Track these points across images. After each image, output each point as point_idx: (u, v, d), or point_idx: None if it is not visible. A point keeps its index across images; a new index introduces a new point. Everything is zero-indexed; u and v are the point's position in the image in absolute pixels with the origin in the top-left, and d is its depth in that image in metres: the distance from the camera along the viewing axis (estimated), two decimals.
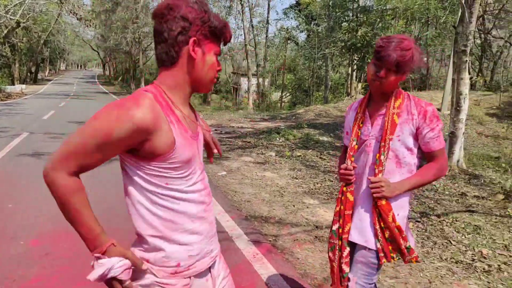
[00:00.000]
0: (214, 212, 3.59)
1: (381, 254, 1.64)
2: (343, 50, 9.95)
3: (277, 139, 9.24)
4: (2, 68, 35.60)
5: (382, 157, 1.62)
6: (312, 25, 24.48)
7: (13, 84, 32.54)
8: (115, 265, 1.00)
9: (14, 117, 11.23)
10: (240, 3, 18.47)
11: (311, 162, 6.67)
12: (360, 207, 1.71)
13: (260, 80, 20.25)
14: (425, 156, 1.69)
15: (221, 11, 29.79)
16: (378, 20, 10.55)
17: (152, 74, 42.71)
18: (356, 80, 15.67)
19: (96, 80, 49.66)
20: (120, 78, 45.61)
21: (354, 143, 1.72)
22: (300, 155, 7.22)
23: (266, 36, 21.50)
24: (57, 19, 32.45)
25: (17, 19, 18.35)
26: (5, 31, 19.23)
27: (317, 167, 6.26)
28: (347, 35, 10.82)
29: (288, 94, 27.71)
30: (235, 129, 11.14)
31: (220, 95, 32.23)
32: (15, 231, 3.23)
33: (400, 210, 1.67)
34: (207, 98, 25.43)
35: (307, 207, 4.32)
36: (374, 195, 1.60)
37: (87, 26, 22.79)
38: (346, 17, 13.69)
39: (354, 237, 1.70)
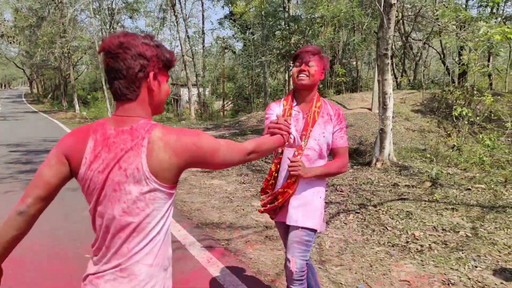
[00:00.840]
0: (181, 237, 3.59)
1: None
2: (279, 57, 10.33)
3: None
4: None
5: (302, 143, 1.89)
6: (247, 34, 25.05)
7: None
8: None
9: None
10: (174, 14, 18.37)
11: (257, 166, 6.86)
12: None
13: (201, 89, 20.25)
14: (332, 152, 2.00)
15: (155, 22, 29.42)
16: (308, 28, 11.13)
17: (85, 89, 40.81)
18: (293, 85, 16.33)
19: (24, 99, 46.24)
20: (50, 96, 42.94)
21: None
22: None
23: (203, 46, 21.57)
24: None
25: None
26: None
27: (263, 171, 6.47)
28: (281, 43, 11.27)
29: (229, 103, 27.96)
30: None
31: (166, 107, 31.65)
32: None
33: (322, 193, 1.98)
34: None
35: (256, 210, 4.48)
36: (291, 172, 1.85)
37: (10, 43, 21.21)
38: (278, 26, 14.24)
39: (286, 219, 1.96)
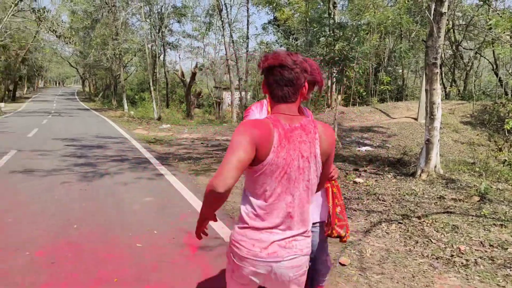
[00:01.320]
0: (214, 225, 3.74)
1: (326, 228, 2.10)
2: (322, 64, 10.32)
3: None
4: None
5: None
6: (290, 39, 25.13)
7: None
8: None
9: None
10: (221, 19, 18.83)
11: None
12: None
13: (243, 93, 20.57)
14: None
15: (201, 27, 30.26)
16: (354, 35, 11.03)
17: (133, 89, 42.57)
18: (336, 92, 16.15)
19: (76, 97, 49.07)
20: (100, 94, 45.23)
21: None
22: None
23: (247, 51, 21.91)
24: (35, 36, 32.18)
25: None
26: None
27: None
28: (325, 49, 11.24)
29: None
30: (221, 142, 11.33)
31: (203, 109, 32.39)
32: (18, 243, 3.31)
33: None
34: (190, 112, 25.55)
35: None
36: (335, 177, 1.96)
37: (66, 43, 22.69)
38: (323, 32, 14.20)
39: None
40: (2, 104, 30.28)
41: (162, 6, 28.12)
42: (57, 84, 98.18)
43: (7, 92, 40.13)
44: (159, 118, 21.41)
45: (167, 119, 21.79)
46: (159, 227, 3.88)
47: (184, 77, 25.99)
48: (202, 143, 11.06)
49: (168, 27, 31.75)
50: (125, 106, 28.19)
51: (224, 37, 18.44)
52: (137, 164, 7.35)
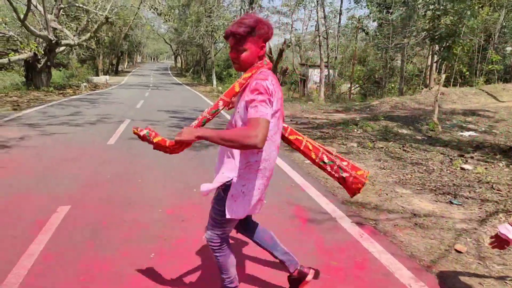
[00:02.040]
0: (313, 195, 3.88)
1: None
2: (426, 40, 9.59)
3: (355, 130, 9.29)
4: (88, 60, 39.17)
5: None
6: (384, 13, 23.61)
7: (97, 75, 35.67)
8: None
9: (110, 105, 12.48)
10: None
11: (395, 154, 6.69)
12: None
13: (331, 71, 20.09)
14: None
15: (290, 2, 29.89)
16: (467, 8, 10.00)
17: (219, 66, 44.18)
18: (436, 71, 14.96)
19: (169, 72, 52.43)
20: (191, 70, 47.67)
21: None
22: (382, 147, 7.25)
23: (339, 27, 21.17)
24: (136, 13, 34.90)
25: (105, 15, 20.03)
26: (95, 26, 21.11)
27: (403, 159, 6.29)
28: (430, 24, 10.39)
29: (357, 86, 27.14)
30: (310, 120, 11.34)
31: (286, 87, 32.45)
32: (150, 201, 3.80)
33: (230, 172, 1.85)
34: None
35: (401, 196, 4.45)
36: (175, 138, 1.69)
37: (165, 21, 24.24)
38: (429, 5, 13.10)
39: None
40: (107, 77, 33.63)
41: None
42: (152, 60, 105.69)
43: (110, 66, 44.44)
44: None
45: None
46: (267, 197, 4.10)
47: (271, 54, 26.15)
48: (291, 121, 11.18)
49: (258, 2, 31.97)
50: (214, 82, 29.41)
51: (317, 12, 18.00)
52: None
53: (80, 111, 10.53)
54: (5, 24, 22.52)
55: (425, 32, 11.22)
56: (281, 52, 26.01)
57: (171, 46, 57.72)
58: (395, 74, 23.56)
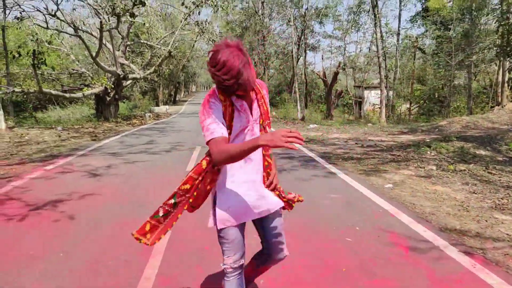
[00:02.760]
0: (405, 221, 3.70)
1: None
2: (499, 55, 9.06)
3: (428, 152, 8.88)
4: (148, 91, 41.65)
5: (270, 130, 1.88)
6: (443, 30, 22.82)
7: (157, 105, 37.74)
8: None
9: (178, 133, 13.07)
10: (373, 14, 18.24)
11: (482, 176, 6.27)
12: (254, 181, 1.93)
13: (390, 92, 19.61)
14: None
15: (343, 26, 29.95)
16: None
17: (271, 91, 44.84)
18: (508, 87, 14.04)
19: None
20: None
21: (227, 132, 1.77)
22: (464, 169, 6.84)
23: (397, 47, 20.76)
24: (193, 46, 36.79)
25: (169, 49, 21.32)
26: (159, 60, 22.50)
27: (492, 182, 5.87)
28: (503, 39, 9.84)
29: (415, 106, 26.15)
30: (376, 143, 11.03)
31: (339, 109, 32.06)
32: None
33: None
34: (330, 112, 25.62)
35: (502, 223, 4.12)
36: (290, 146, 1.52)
37: None
38: (500, 21, 12.51)
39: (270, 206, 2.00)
40: (167, 107, 35.43)
41: (306, 10, 28.84)
42: (206, 89, 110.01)
43: (169, 96, 46.84)
44: (302, 118, 22.04)
45: (309, 119, 22.28)
46: (358, 223, 4.00)
47: (325, 77, 26.18)
48: (356, 143, 10.96)
49: (310, 28, 32.40)
50: (268, 107, 29.80)
51: (376, 34, 17.83)
52: (306, 162, 7.72)
53: (153, 140, 11.12)
54: (78, 61, 24.77)
55: (496, 48, 10.63)
56: (335, 75, 26.04)
57: None
58: (458, 92, 22.45)
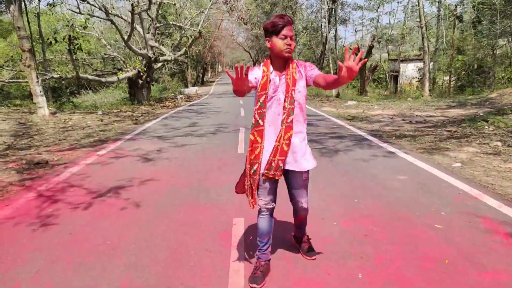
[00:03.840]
0: (493, 204, 3.34)
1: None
2: None
3: (486, 127, 8.34)
4: (176, 73, 41.71)
5: (286, 103, 2.27)
6: None
7: (186, 86, 37.74)
8: None
9: (217, 115, 12.92)
10: None
11: None
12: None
13: (431, 64, 18.60)
14: (315, 82, 2.22)
15: None
16: None
17: None
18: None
19: None
20: None
21: (264, 97, 2.28)
22: None
23: (439, 16, 19.54)
24: (220, 25, 36.24)
25: (199, 29, 21.02)
26: (190, 41, 22.27)
27: None
28: None
29: (454, 78, 24.81)
30: (425, 118, 10.49)
31: (371, 85, 30.96)
32: (317, 212, 3.61)
33: (306, 139, 2.46)
34: (364, 88, 24.76)
35: None
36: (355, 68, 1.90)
37: (252, 29, 24.69)
38: None
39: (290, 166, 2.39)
40: (197, 88, 35.40)
41: None
42: (231, 68, 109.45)
43: (197, 78, 46.80)
44: (337, 95, 21.41)
45: (344, 96, 21.62)
46: (442, 208, 3.70)
47: (358, 51, 25.10)
48: (403, 120, 10.46)
49: (339, 0, 31.11)
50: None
51: (419, 1, 16.74)
52: (358, 141, 7.38)
53: (195, 122, 11.02)
54: (110, 45, 24.90)
55: None
56: (370, 49, 25.03)
57: (249, 53, 59.00)
58: (503, 62, 21.04)
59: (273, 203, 2.47)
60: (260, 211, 2.47)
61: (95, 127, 10.39)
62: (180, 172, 5.30)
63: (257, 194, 2.42)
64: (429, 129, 8.69)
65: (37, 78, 11.53)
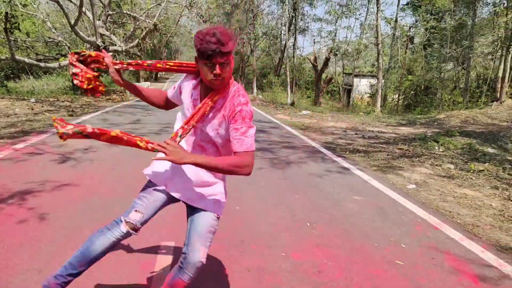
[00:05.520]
0: (454, 236, 2.99)
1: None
2: (501, 43, 8.49)
3: (436, 148, 8.33)
4: None
5: (178, 138, 1.69)
6: (433, 21, 22.31)
7: (138, 81, 36.03)
8: None
9: (165, 113, 12.02)
10: (377, 3, 17.40)
11: (507, 179, 5.71)
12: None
13: (382, 81, 19.03)
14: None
15: (332, 8, 29.00)
16: None
17: (256, 74, 43.86)
18: (509, 81, 13.64)
19: None
20: None
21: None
22: (483, 170, 6.28)
23: (394, 35, 20.11)
24: (178, 21, 35.06)
25: (154, 22, 19.94)
26: (143, 33, 21.07)
27: None
28: (508, 30, 9.28)
29: (402, 97, 25.81)
30: (377, 134, 10.42)
31: (324, 96, 31.45)
32: (264, 240, 3.07)
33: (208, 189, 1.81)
34: (318, 99, 24.96)
35: None
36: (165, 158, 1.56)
37: (204, 21, 23.88)
38: (498, 11, 11.96)
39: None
40: (149, 83, 33.89)
41: None
42: None
43: (150, 73, 44.96)
44: (292, 104, 21.28)
45: (298, 105, 21.56)
46: (401, 238, 3.30)
47: (316, 62, 25.38)
48: (356, 134, 10.32)
49: (299, 10, 31.35)
50: (255, 90, 28.93)
51: (377, 19, 17.04)
52: (311, 153, 6.98)
53: (139, 119, 10.10)
54: (55, 29, 22.95)
55: (498, 40, 10.09)
56: (326, 61, 25.29)
57: None
58: (449, 85, 22.16)
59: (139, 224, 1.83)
60: (108, 225, 1.82)
61: (23, 115, 9.15)
62: (106, 177, 4.51)
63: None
64: (381, 145, 8.54)
65: None
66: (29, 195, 3.71)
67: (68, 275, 1.72)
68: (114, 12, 21.91)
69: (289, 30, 28.06)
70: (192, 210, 1.80)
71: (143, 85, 29.83)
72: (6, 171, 4.45)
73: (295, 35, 27.91)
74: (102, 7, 19.86)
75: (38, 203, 3.51)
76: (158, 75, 48.73)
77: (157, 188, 1.82)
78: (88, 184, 4.20)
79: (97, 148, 6.03)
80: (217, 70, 1.56)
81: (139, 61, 1.87)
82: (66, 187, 4.01)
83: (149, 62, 1.87)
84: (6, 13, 13.17)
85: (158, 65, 1.86)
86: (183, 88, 1.84)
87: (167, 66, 1.85)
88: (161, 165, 1.85)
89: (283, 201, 4.08)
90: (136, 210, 1.75)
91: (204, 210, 1.77)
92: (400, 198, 4.52)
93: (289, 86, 21.15)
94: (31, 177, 4.25)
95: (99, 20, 19.24)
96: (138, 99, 18.61)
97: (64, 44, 21.55)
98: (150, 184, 1.86)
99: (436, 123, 12.66)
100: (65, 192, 3.87)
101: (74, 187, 4.05)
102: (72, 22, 15.93)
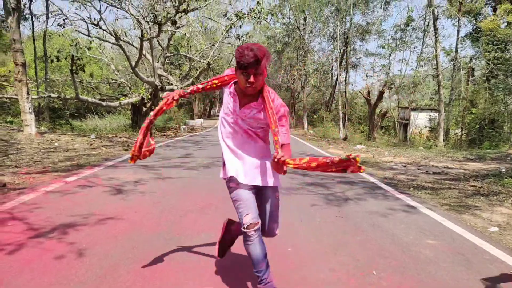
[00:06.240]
0: None
1: None
2: None
3: None
4: (184, 105, 41.51)
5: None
6: (495, 51, 20.83)
7: (192, 118, 37.33)
8: None
9: (215, 147, 12.00)
10: (435, 31, 16.72)
11: None
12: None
13: (443, 115, 17.83)
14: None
15: (388, 42, 28.42)
16: None
17: (306, 109, 43.63)
18: None
19: None
20: None
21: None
22: None
23: (454, 66, 19.04)
24: (231, 61, 36.31)
25: (208, 61, 20.65)
26: (197, 73, 21.87)
27: None
28: None
29: (466, 131, 23.99)
30: (443, 170, 9.48)
31: (378, 131, 30.20)
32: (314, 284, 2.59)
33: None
34: (373, 134, 23.97)
35: None
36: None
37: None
38: None
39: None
40: (202, 120, 34.95)
41: (349, 27, 27.65)
42: None
43: (203, 110, 46.60)
44: (345, 138, 20.58)
45: (351, 140, 20.79)
46: None
47: (369, 96, 24.65)
48: (419, 169, 9.47)
49: (352, 45, 31.13)
50: (305, 125, 28.58)
51: (436, 50, 16.25)
52: (370, 189, 6.37)
53: (189, 153, 10.09)
54: (117, 71, 24.62)
55: None
56: (380, 95, 24.49)
57: None
58: None
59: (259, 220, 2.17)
60: (246, 237, 2.09)
61: (81, 150, 9.50)
62: (152, 211, 4.29)
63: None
64: (450, 182, 7.68)
65: (28, 94, 10.82)
66: (71, 228, 3.55)
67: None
68: (172, 54, 23.09)
69: (340, 64, 27.79)
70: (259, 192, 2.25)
71: (196, 122, 30.79)
72: (53, 204, 4.39)
73: (347, 70, 27.58)
74: (161, 50, 21.00)
75: (78, 237, 3.33)
76: (211, 113, 50.30)
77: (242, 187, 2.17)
78: (132, 218, 3.99)
79: (146, 181, 5.93)
80: (251, 79, 1.93)
81: (194, 88, 2.31)
82: (110, 221, 3.83)
83: (200, 86, 2.28)
84: (73, 55, 14.27)
85: (207, 86, 2.29)
86: (224, 92, 2.27)
87: (214, 85, 2.26)
88: (232, 163, 2.29)
89: (342, 243, 3.56)
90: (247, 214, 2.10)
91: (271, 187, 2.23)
92: (483, 243, 3.80)
93: (341, 120, 20.57)
94: (76, 210, 4.14)
95: (157, 62, 20.30)
96: (190, 134, 19.01)
97: (126, 85, 22.93)
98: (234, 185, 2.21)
99: (509, 158, 11.38)
100: (107, 226, 3.68)
101: (117, 220, 3.86)
102: (133, 64, 16.90)
